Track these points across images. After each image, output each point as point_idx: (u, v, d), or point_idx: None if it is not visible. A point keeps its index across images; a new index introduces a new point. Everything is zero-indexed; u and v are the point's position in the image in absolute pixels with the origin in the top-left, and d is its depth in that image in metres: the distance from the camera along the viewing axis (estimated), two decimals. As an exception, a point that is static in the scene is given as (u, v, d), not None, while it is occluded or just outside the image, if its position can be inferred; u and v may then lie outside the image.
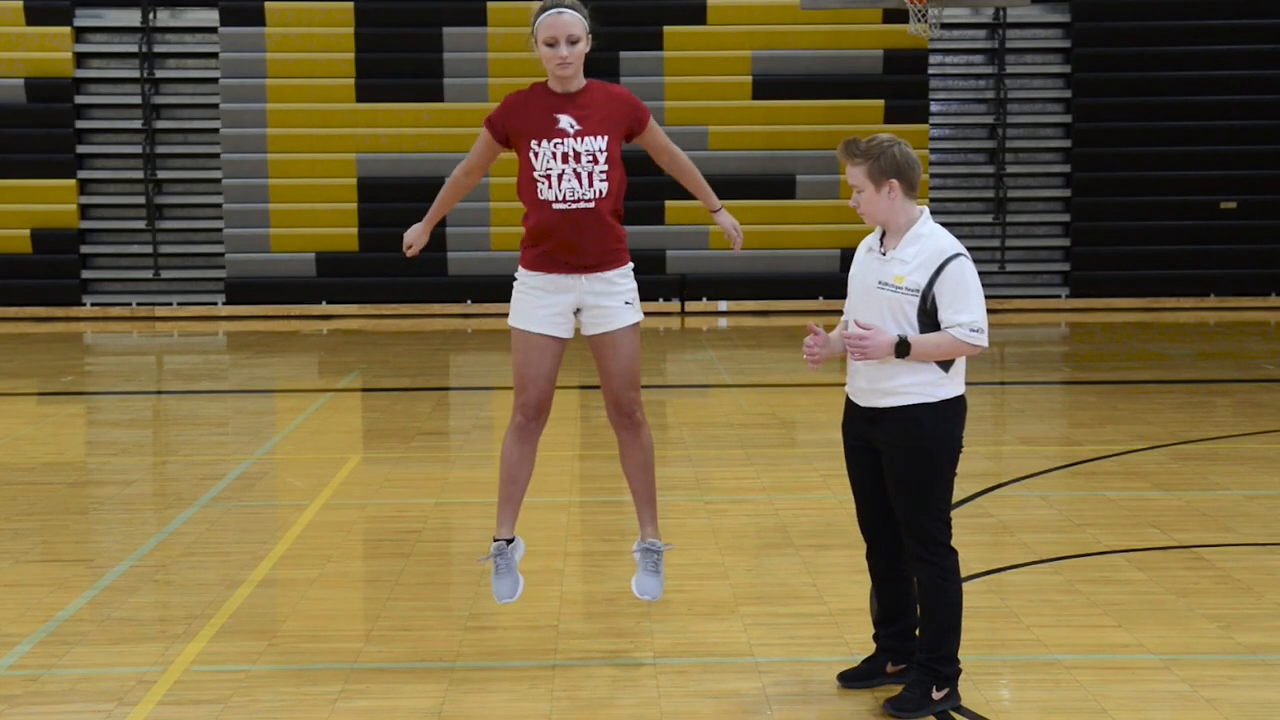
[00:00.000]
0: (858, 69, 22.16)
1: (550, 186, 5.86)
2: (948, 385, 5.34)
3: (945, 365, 5.33)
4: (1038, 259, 22.55)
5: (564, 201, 5.87)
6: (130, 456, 10.72)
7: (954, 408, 5.38)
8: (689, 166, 6.26)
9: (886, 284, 5.32)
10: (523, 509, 6.18)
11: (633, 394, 6.08)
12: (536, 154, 5.87)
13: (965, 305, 5.25)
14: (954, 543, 5.43)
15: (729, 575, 7.26)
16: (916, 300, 5.27)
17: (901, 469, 5.35)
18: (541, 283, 5.98)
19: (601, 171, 5.87)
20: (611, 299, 6.00)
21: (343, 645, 6.22)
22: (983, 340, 5.27)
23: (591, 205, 5.88)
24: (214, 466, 10.10)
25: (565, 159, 5.85)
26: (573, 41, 5.82)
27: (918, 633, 5.55)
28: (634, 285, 6.06)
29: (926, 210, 5.40)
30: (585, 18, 5.89)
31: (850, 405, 5.56)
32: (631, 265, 6.07)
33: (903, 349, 5.24)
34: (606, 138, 5.87)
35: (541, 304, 5.98)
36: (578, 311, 6.02)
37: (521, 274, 6.04)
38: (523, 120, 5.91)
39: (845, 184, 25.17)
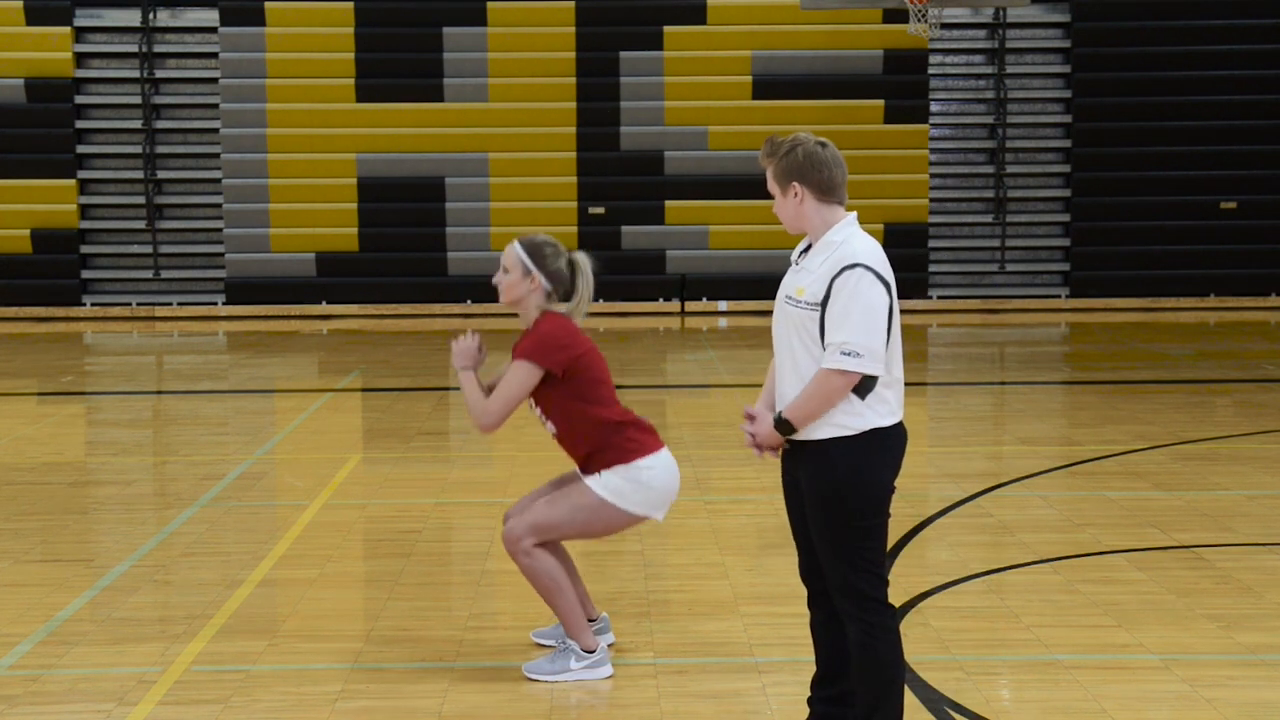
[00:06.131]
0: (858, 69, 22.16)
1: None
2: (867, 414, 4.52)
3: (861, 391, 4.52)
4: (1038, 259, 22.55)
5: None
6: (130, 456, 10.72)
7: (876, 441, 4.55)
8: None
9: (790, 298, 4.61)
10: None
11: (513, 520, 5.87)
12: None
13: (844, 322, 4.44)
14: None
15: (729, 575, 7.26)
16: (817, 316, 4.51)
17: (816, 514, 4.61)
18: None
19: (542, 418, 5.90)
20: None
21: (343, 645, 6.22)
22: (856, 365, 4.43)
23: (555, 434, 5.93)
24: (214, 466, 10.10)
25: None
26: (505, 270, 5.80)
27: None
28: (607, 484, 5.76)
29: (851, 216, 4.65)
30: (528, 257, 5.74)
31: None
32: (606, 475, 5.77)
33: (784, 427, 4.56)
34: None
35: None
36: None
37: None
38: None
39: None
